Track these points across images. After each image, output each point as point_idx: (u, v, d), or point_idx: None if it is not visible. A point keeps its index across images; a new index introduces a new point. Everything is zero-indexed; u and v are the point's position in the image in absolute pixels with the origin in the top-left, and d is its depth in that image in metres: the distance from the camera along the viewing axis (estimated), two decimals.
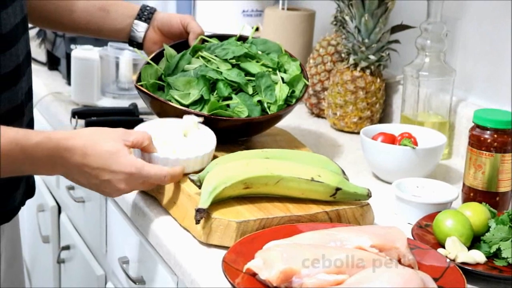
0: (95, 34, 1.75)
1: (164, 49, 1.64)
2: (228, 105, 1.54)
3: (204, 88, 1.54)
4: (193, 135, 1.43)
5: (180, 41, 1.67)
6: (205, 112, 1.51)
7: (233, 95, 1.55)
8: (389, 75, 2.03)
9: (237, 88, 1.58)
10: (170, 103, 1.52)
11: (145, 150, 1.36)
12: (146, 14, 1.70)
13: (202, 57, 1.61)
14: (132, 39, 1.70)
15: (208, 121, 1.48)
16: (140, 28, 1.69)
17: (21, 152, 1.21)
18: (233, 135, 1.59)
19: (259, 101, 1.57)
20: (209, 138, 1.44)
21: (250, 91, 1.58)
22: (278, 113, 1.57)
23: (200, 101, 1.54)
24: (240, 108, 1.54)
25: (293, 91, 1.61)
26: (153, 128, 1.42)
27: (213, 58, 1.60)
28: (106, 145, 1.28)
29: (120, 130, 1.32)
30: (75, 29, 1.73)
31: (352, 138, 1.91)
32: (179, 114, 1.48)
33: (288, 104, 1.59)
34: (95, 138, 1.28)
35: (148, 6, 1.71)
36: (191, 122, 1.44)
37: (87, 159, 1.26)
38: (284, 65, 1.65)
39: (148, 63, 1.61)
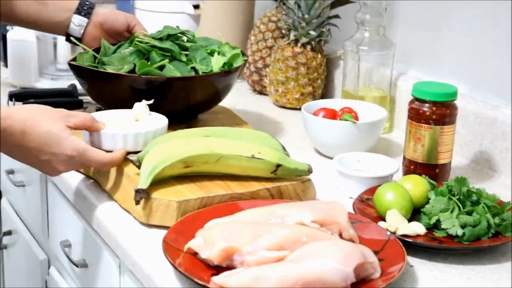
0: (32, 27, 1.71)
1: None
2: (160, 70, 1.53)
3: (137, 59, 1.52)
4: (145, 119, 1.42)
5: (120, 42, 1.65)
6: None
7: (167, 63, 1.54)
8: (330, 51, 2.03)
9: (171, 59, 1.56)
10: (104, 70, 1.51)
11: (91, 130, 1.34)
12: (85, 9, 1.66)
13: (139, 41, 1.59)
14: (70, 33, 1.67)
15: (140, 84, 1.47)
16: (79, 22, 1.66)
17: None
18: (171, 102, 1.55)
19: (194, 69, 1.56)
20: (160, 120, 1.43)
21: (184, 59, 1.56)
22: (212, 73, 1.56)
23: (134, 72, 1.53)
24: (173, 72, 1.52)
25: (231, 65, 1.60)
26: (104, 116, 1.41)
27: (148, 39, 1.58)
28: (47, 125, 1.26)
29: (63, 111, 1.30)
30: (12, 20, 1.69)
31: (294, 114, 1.91)
32: (114, 83, 1.46)
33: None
34: (36, 117, 1.25)
35: (87, 0, 1.67)
36: (141, 107, 1.42)
37: (26, 138, 1.24)
38: (225, 53, 1.64)
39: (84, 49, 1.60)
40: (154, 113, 1.44)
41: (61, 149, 1.26)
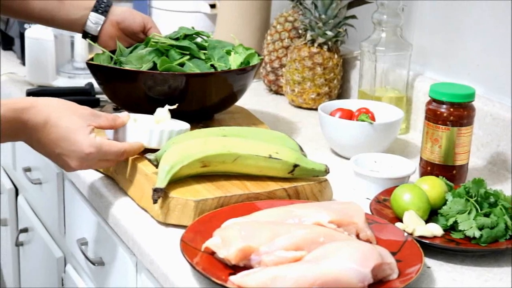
0: (48, 23, 1.72)
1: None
2: (181, 66, 1.54)
3: (156, 57, 1.53)
4: (166, 122, 1.43)
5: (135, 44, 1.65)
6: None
7: (186, 61, 1.54)
8: (346, 51, 2.03)
9: (190, 57, 1.57)
10: (123, 67, 1.51)
11: (116, 128, 1.36)
12: (103, 7, 1.66)
13: (155, 42, 1.59)
14: (87, 30, 1.67)
15: (161, 81, 1.48)
16: (95, 20, 1.66)
17: None
18: (189, 101, 1.54)
19: (213, 66, 1.57)
20: (182, 124, 1.44)
21: (203, 57, 1.57)
22: (231, 70, 1.56)
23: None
24: (193, 69, 1.53)
25: (248, 63, 1.60)
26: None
27: (165, 39, 1.59)
28: (68, 121, 1.27)
29: (88, 109, 1.32)
30: (27, 17, 1.70)
31: (310, 115, 1.91)
32: (133, 81, 1.47)
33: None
34: (60, 111, 1.27)
35: None
36: (163, 111, 1.43)
37: (46, 130, 1.26)
38: (239, 54, 1.64)
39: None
40: (175, 119, 1.45)
41: (78, 146, 1.27)
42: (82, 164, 1.29)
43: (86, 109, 1.31)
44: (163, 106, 1.43)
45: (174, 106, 1.43)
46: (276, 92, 2.10)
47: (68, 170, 1.31)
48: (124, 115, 1.37)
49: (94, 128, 1.30)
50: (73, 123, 1.27)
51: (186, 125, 1.44)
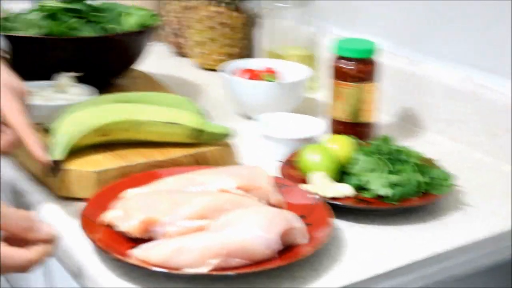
0: None
1: None
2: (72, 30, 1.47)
3: (45, 21, 1.45)
4: (69, 90, 1.35)
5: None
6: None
7: (77, 25, 1.47)
8: (248, 9, 1.97)
9: (81, 21, 1.50)
10: (9, 33, 1.42)
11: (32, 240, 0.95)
12: None
13: (43, 5, 1.51)
14: None
15: (48, 46, 1.40)
16: None
17: None
18: (83, 66, 1.47)
19: (105, 29, 1.50)
20: (90, 90, 1.38)
21: (95, 20, 1.50)
22: (124, 32, 1.50)
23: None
24: (84, 32, 1.45)
25: (143, 25, 1.54)
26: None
27: (53, 2, 1.51)
28: None
29: None
30: None
31: (215, 76, 1.85)
32: (20, 45, 1.39)
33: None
34: None
35: None
36: (64, 79, 1.36)
37: None
38: (132, 15, 1.57)
39: None
40: (80, 85, 1.38)
41: None
42: None
43: None
44: (58, 72, 1.36)
45: (80, 74, 1.36)
46: (182, 55, 2.04)
47: None
48: (47, 230, 0.95)
49: None
50: None
51: (93, 91, 1.37)
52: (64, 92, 1.39)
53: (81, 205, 1.12)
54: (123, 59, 1.52)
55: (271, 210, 1.05)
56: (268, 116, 1.45)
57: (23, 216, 0.93)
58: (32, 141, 1.11)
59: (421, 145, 1.46)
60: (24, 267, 0.93)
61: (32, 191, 1.24)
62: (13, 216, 0.92)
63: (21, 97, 1.14)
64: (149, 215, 1.02)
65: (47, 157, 1.12)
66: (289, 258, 1.00)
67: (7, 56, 1.40)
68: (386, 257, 1.07)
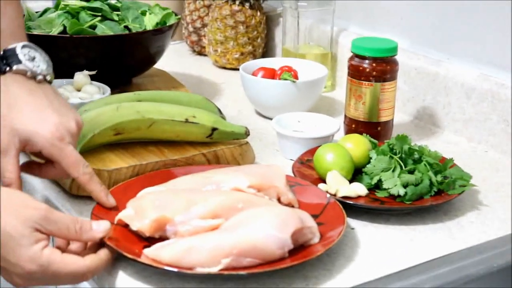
0: None
1: None
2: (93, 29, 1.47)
3: (66, 20, 1.45)
4: (86, 89, 1.36)
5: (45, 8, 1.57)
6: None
7: (98, 23, 1.47)
8: (269, 8, 1.97)
9: (103, 19, 1.50)
10: (32, 32, 1.43)
11: (82, 241, 1.00)
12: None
13: (65, 5, 1.52)
14: None
15: (72, 45, 1.40)
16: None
17: None
18: (103, 65, 1.48)
19: (127, 28, 1.50)
20: (103, 89, 1.38)
21: (116, 18, 1.50)
22: (146, 31, 1.50)
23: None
24: (106, 31, 1.46)
25: (165, 24, 1.54)
26: None
27: (75, 2, 1.52)
28: (10, 223, 0.93)
29: (43, 210, 0.94)
30: None
31: (234, 75, 1.85)
32: (42, 44, 1.39)
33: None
34: (4, 209, 0.93)
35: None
36: (81, 77, 1.36)
37: None
38: (156, 14, 1.58)
39: None
40: (95, 83, 1.38)
41: (17, 259, 0.93)
42: (29, 283, 0.96)
43: (38, 210, 0.94)
44: (79, 71, 1.37)
45: (93, 72, 1.36)
46: (200, 53, 2.04)
47: (16, 286, 0.98)
48: (102, 226, 1.00)
49: (47, 237, 0.95)
50: (13, 229, 0.93)
51: (107, 90, 1.37)
52: (80, 91, 1.40)
53: (94, 203, 1.13)
54: (144, 58, 1.53)
55: (284, 209, 1.04)
56: (284, 115, 1.44)
57: (73, 220, 0.97)
58: (97, 191, 1.10)
59: (438, 144, 1.45)
60: (80, 276, 0.95)
61: (45, 189, 1.24)
62: (64, 220, 0.96)
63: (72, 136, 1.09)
64: (162, 213, 1.02)
65: (112, 202, 1.11)
66: (301, 257, 0.99)
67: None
68: (400, 257, 1.06)
